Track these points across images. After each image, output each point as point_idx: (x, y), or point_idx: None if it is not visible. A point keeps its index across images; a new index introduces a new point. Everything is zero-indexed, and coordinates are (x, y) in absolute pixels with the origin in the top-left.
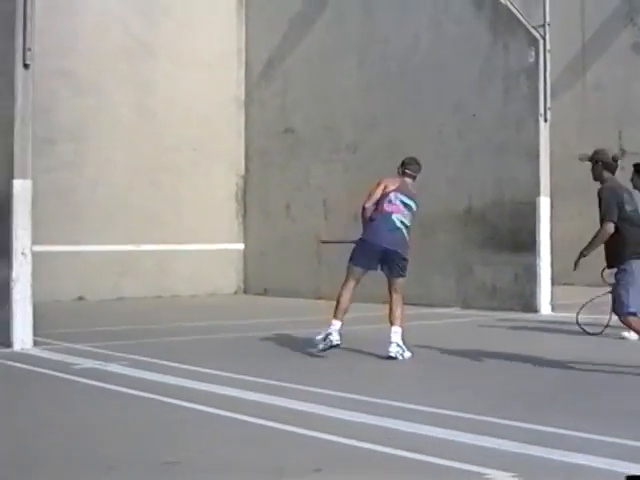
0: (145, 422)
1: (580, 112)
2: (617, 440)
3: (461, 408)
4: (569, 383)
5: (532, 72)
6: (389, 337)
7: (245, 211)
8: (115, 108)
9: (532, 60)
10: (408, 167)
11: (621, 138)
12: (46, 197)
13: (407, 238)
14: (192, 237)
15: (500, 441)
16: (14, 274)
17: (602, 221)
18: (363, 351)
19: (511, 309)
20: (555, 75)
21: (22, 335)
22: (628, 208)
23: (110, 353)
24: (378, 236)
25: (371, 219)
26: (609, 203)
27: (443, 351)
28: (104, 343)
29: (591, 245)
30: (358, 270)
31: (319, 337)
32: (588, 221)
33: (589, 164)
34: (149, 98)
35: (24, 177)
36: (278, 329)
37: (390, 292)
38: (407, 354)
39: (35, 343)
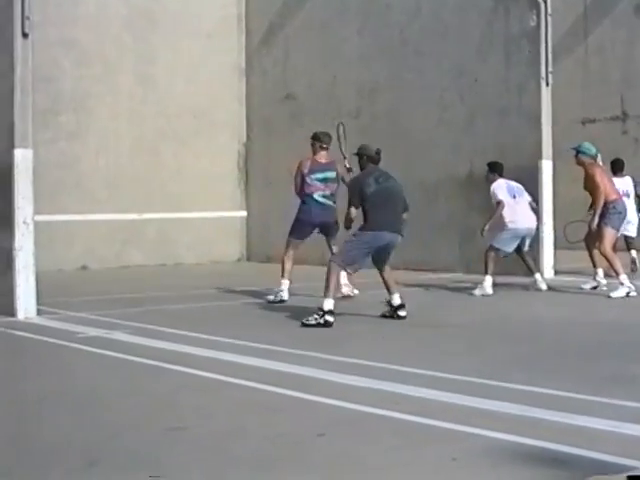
0: (150, 389)
1: (582, 76)
2: (618, 402)
3: (465, 372)
4: (570, 346)
5: (534, 36)
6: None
7: (247, 179)
8: (117, 77)
9: (533, 24)
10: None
11: (623, 101)
12: (49, 167)
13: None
14: (195, 205)
15: (504, 404)
16: (16, 243)
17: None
18: (365, 316)
19: (514, 273)
20: (557, 39)
21: (25, 304)
22: (368, 190)
23: (114, 321)
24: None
25: None
26: (351, 192)
27: (446, 316)
28: (108, 311)
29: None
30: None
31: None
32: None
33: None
34: (151, 67)
35: (25, 146)
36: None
37: None
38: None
39: (39, 312)
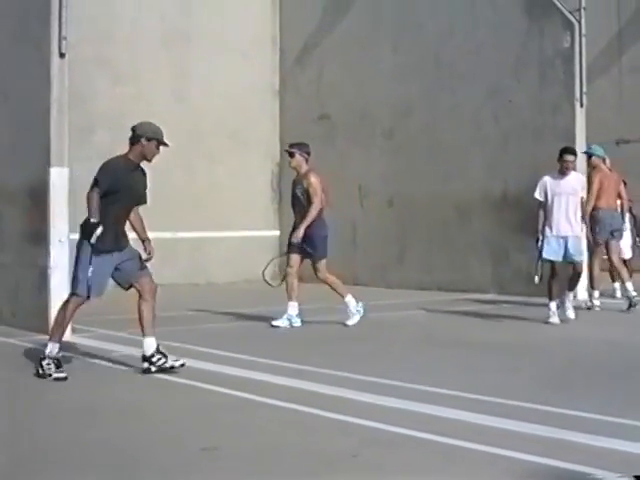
0: (183, 408)
1: (616, 96)
2: None
3: (493, 393)
4: (598, 367)
5: (568, 56)
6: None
7: (281, 198)
8: (152, 96)
9: (568, 45)
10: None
11: None
12: (85, 186)
13: None
14: (228, 224)
15: (535, 426)
16: (52, 261)
17: None
18: (393, 336)
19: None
20: (591, 59)
21: None
22: None
23: None
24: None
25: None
26: None
27: (475, 336)
28: None
29: None
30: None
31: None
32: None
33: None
34: (185, 85)
35: (61, 165)
36: (312, 315)
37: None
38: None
39: (73, 330)
